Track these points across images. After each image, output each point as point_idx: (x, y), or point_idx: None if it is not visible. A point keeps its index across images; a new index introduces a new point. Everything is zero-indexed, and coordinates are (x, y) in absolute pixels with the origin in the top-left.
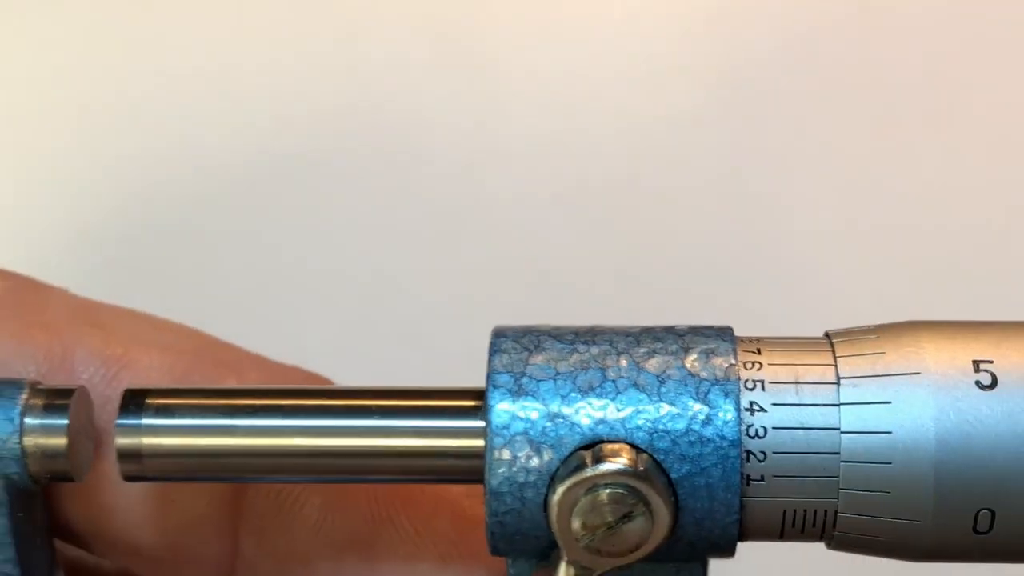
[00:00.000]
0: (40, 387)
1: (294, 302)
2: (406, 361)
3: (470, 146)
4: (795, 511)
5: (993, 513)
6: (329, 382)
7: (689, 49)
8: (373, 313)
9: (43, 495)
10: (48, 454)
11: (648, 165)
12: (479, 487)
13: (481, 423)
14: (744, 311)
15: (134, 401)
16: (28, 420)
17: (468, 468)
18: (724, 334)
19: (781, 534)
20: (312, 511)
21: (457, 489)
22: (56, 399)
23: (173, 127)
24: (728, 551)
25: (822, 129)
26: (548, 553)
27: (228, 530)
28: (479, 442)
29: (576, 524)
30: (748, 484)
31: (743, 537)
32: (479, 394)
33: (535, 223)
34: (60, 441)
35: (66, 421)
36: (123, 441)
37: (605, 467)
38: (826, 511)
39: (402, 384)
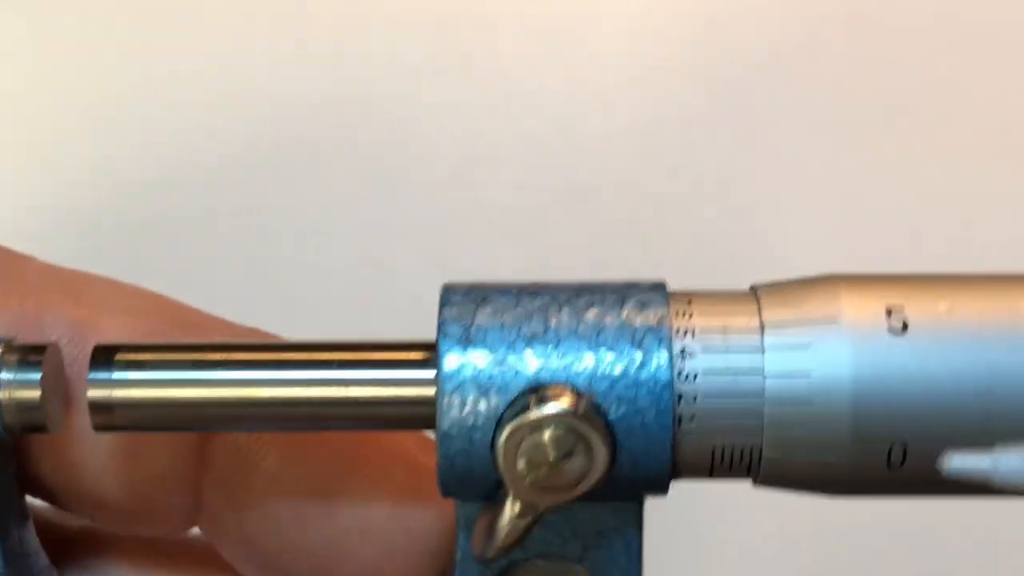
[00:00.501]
0: (14, 344)
1: (290, 300)
2: None
3: (468, 147)
4: (723, 449)
5: (905, 448)
6: None
7: (687, 52)
8: (370, 312)
9: (14, 448)
10: (23, 406)
11: (646, 167)
12: (431, 442)
13: (432, 372)
14: None
15: (105, 356)
16: (3, 375)
17: (421, 416)
18: (657, 288)
19: (711, 471)
20: (271, 464)
21: (411, 441)
22: (29, 355)
23: (172, 126)
24: (662, 488)
25: (819, 132)
26: (495, 494)
27: (191, 483)
28: (430, 391)
29: (521, 463)
30: (680, 425)
31: (676, 475)
32: (430, 346)
33: (533, 224)
34: (34, 394)
35: (39, 375)
36: (95, 393)
37: (547, 409)
38: (752, 449)
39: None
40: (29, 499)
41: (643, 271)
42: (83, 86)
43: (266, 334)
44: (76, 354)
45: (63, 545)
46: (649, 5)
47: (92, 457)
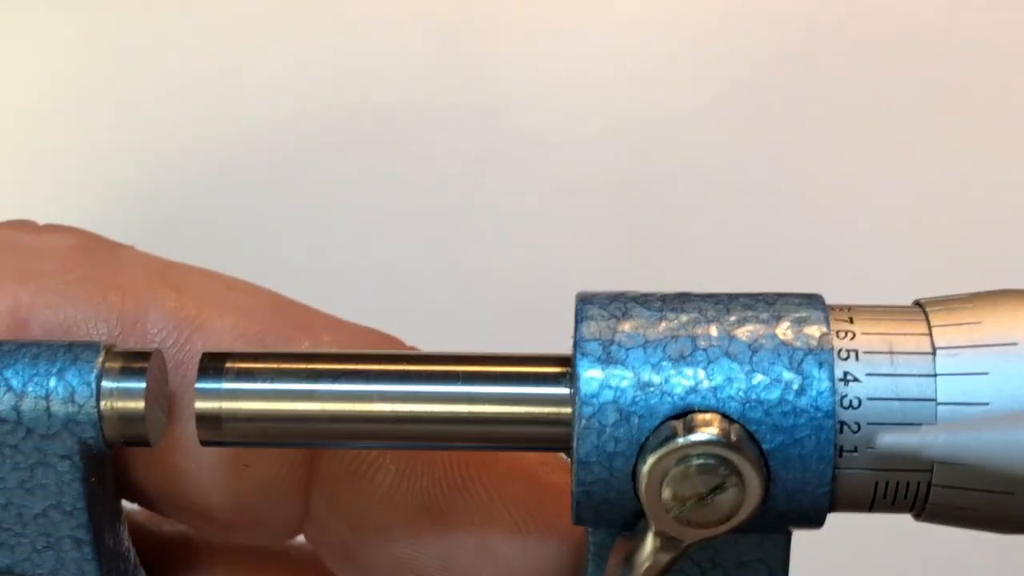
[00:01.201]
0: (116, 350)
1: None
2: None
3: (470, 145)
4: (888, 483)
5: None
6: (402, 343)
7: (689, 48)
8: (371, 311)
9: (113, 458)
10: (125, 418)
11: (649, 164)
12: (555, 457)
13: (567, 390)
14: None
15: (213, 365)
16: (105, 383)
17: (553, 436)
18: (815, 302)
19: (871, 506)
20: (386, 476)
21: (532, 456)
22: (133, 362)
23: (175, 126)
24: (817, 522)
25: (824, 128)
26: (633, 523)
27: (300, 494)
28: (566, 410)
29: (666, 494)
30: (841, 455)
31: (833, 508)
32: (565, 360)
33: (534, 221)
34: (137, 405)
35: (143, 384)
36: (203, 405)
37: (697, 437)
38: (919, 483)
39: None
40: (125, 503)
41: (643, 271)
42: (84, 88)
43: (381, 334)
44: (181, 358)
45: (157, 550)
46: (650, 5)
47: (196, 467)
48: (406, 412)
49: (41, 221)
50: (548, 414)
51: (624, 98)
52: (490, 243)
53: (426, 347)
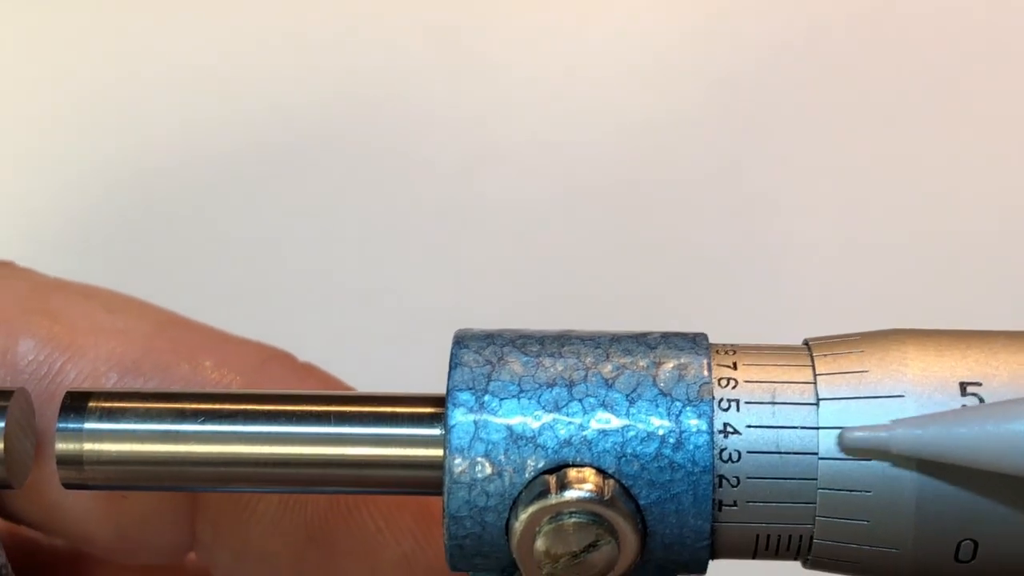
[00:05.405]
0: None
1: (291, 300)
2: (402, 360)
3: (469, 145)
4: (768, 536)
5: (976, 543)
6: (295, 359)
7: (690, 49)
8: (370, 312)
9: None
10: None
11: (648, 166)
12: None
13: (440, 431)
14: (742, 310)
15: (75, 404)
16: None
17: (428, 480)
18: (699, 346)
19: (754, 554)
20: (269, 506)
21: None
22: None
23: (172, 126)
24: (699, 572)
25: (823, 130)
26: (511, 570)
27: (184, 522)
28: (439, 452)
29: (539, 551)
30: (720, 510)
31: (714, 557)
32: (440, 400)
33: (533, 223)
34: None
35: (2, 424)
36: (63, 446)
37: (570, 494)
38: (801, 536)
39: (370, 390)
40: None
41: (641, 269)
42: (82, 83)
43: (269, 349)
44: (53, 390)
45: (50, 564)
46: (651, 3)
47: (73, 500)
48: (274, 455)
49: (37, 219)
50: (421, 457)
51: (623, 99)
52: (487, 245)
53: (425, 347)
